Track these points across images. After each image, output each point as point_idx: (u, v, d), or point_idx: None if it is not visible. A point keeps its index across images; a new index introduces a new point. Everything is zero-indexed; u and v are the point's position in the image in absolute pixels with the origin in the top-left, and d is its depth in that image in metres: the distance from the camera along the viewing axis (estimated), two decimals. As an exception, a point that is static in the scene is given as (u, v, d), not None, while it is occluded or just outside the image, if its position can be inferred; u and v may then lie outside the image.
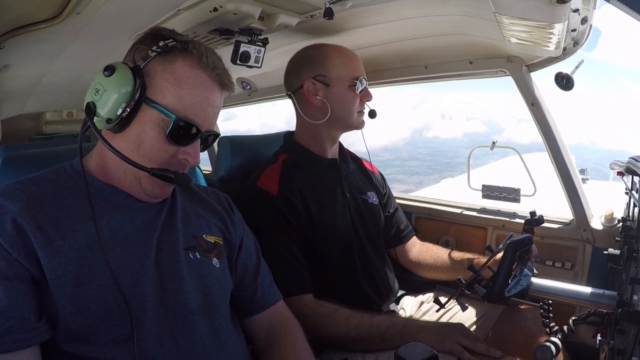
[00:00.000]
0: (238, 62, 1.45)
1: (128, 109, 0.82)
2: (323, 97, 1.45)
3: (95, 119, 0.84)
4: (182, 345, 0.86)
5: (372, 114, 1.55)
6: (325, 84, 1.44)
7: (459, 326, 1.21)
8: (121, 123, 0.84)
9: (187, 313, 0.89)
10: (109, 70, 0.83)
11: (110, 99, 0.82)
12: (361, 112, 1.50)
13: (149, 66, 0.85)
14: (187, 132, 0.86)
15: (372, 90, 1.51)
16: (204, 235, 0.99)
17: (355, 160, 1.68)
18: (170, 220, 0.96)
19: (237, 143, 1.70)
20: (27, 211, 0.79)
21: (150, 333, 0.83)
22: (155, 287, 0.86)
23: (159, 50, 0.84)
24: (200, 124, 0.87)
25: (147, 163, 0.86)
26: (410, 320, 1.28)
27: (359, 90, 1.45)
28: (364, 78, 1.46)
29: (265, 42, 1.50)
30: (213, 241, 1.00)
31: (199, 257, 0.95)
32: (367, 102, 1.50)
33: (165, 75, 0.85)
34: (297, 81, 1.47)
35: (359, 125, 1.52)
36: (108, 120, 0.83)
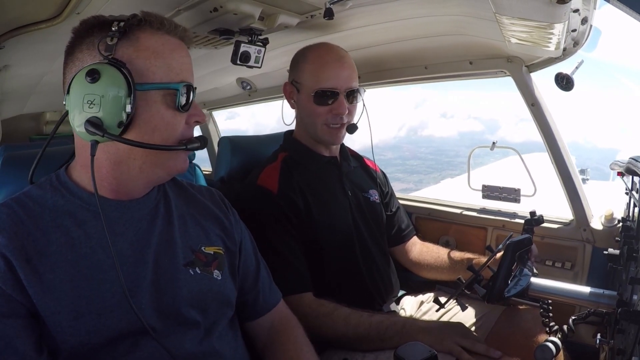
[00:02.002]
0: (238, 62, 1.46)
1: (132, 103, 0.78)
2: (296, 102, 1.46)
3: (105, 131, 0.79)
4: (179, 359, 0.85)
5: (351, 129, 1.44)
6: (297, 90, 1.44)
7: (459, 326, 1.21)
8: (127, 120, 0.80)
9: (187, 329, 0.87)
10: (93, 75, 0.76)
11: (112, 104, 0.77)
12: (332, 126, 1.41)
13: (119, 54, 0.80)
14: (188, 94, 0.86)
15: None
16: (202, 248, 0.95)
17: (357, 158, 1.67)
18: (168, 232, 0.91)
19: (237, 143, 1.70)
20: (14, 242, 0.75)
21: (150, 352, 0.82)
22: (153, 306, 0.84)
23: (118, 35, 0.80)
24: (191, 82, 0.88)
25: (168, 143, 0.84)
26: (409, 321, 1.26)
27: (326, 102, 1.38)
28: (336, 90, 1.37)
29: (265, 42, 1.50)
30: (212, 252, 0.96)
31: (199, 272, 0.91)
32: (342, 115, 1.38)
33: (142, 54, 0.81)
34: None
35: (329, 139, 1.44)
36: (120, 125, 0.78)
